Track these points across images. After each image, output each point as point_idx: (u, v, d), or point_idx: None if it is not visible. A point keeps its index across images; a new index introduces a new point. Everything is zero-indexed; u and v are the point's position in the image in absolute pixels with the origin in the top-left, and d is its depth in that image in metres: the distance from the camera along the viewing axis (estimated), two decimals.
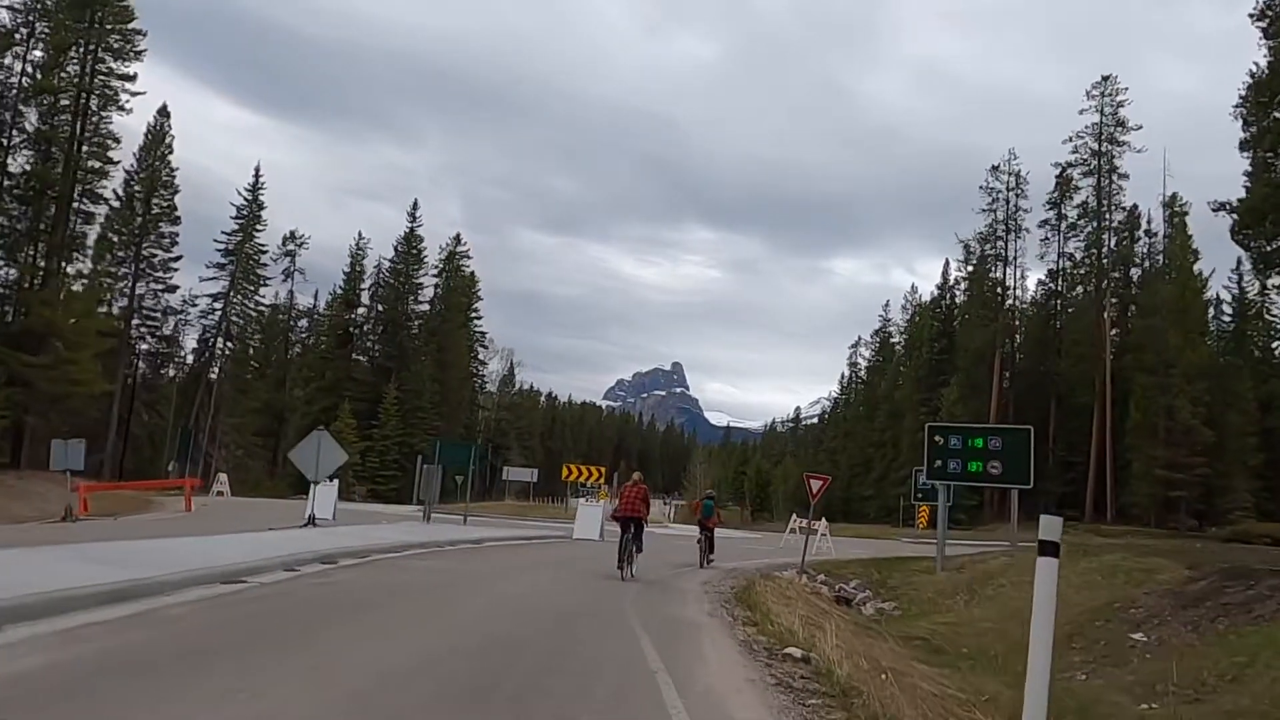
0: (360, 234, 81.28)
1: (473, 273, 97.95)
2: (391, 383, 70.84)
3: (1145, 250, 62.62)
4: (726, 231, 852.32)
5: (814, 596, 17.42)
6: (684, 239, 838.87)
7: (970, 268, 66.25)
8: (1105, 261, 60.54)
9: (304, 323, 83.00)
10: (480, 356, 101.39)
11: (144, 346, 66.81)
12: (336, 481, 30.40)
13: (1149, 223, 61.92)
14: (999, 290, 65.95)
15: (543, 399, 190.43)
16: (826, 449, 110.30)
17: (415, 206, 77.80)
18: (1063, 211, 66.94)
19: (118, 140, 52.70)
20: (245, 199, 70.23)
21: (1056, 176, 67.09)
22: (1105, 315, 60.44)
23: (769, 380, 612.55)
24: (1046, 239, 67.01)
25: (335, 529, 20.71)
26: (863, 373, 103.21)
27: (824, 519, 32.02)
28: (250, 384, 78.55)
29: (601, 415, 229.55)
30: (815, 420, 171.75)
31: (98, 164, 51.39)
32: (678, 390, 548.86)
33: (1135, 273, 63.36)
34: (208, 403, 66.75)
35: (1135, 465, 55.39)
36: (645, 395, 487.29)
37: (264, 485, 64.11)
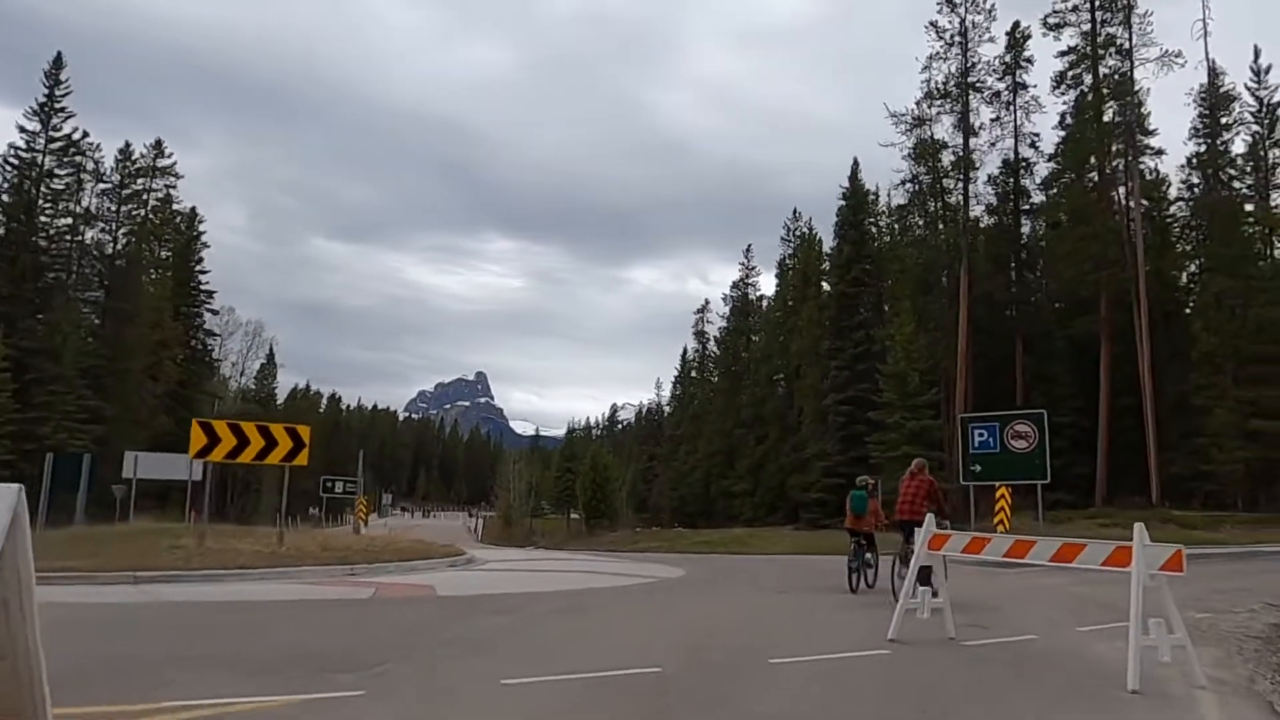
0: None
1: (194, 209, 67.87)
2: None
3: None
4: (526, 241, 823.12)
5: None
6: (483, 248, 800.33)
7: (911, 144, 43.45)
8: (1116, 121, 39.15)
9: None
10: (209, 326, 70.98)
11: None
12: None
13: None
14: (961, 174, 43.55)
15: (324, 401, 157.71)
16: (669, 439, 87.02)
17: (59, 62, 46.57)
18: (1019, 79, 45.96)
19: None
20: None
21: (1009, 32, 46.03)
22: (1128, 202, 39.16)
23: (572, 388, 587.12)
24: (997, 117, 45.69)
25: None
26: (713, 342, 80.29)
27: (1140, 526, 7.30)
28: None
29: (397, 422, 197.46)
30: (632, 421, 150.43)
31: None
32: (482, 400, 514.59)
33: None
34: None
35: (1219, 417, 33.96)
36: (449, 406, 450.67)
37: None
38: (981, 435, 22.62)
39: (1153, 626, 6.75)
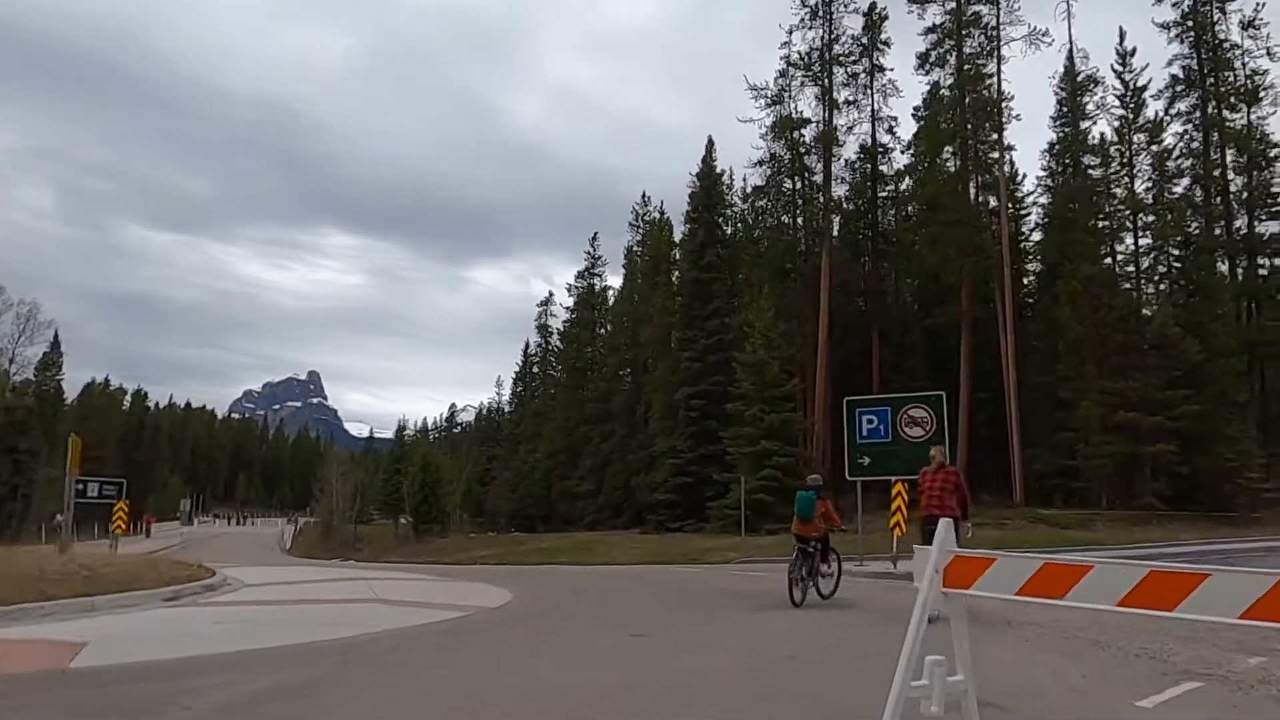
0: None
1: None
2: None
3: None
4: (367, 237, 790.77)
5: None
6: (321, 243, 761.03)
7: (770, 121, 40.16)
8: (974, 108, 37.06)
9: None
10: None
11: None
12: None
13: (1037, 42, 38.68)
14: (823, 151, 40.54)
15: (128, 399, 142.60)
16: (509, 438, 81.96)
17: None
18: (876, 61, 43.91)
19: None
20: None
21: (865, 13, 43.84)
22: (979, 195, 37.42)
23: (411, 389, 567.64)
24: (854, 100, 43.38)
25: None
26: (557, 337, 75.76)
27: None
28: None
29: (215, 422, 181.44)
30: (471, 422, 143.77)
31: None
32: (315, 401, 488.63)
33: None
34: None
35: (1085, 410, 32.17)
36: (278, 407, 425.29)
37: None
38: (871, 422, 18.94)
39: None
